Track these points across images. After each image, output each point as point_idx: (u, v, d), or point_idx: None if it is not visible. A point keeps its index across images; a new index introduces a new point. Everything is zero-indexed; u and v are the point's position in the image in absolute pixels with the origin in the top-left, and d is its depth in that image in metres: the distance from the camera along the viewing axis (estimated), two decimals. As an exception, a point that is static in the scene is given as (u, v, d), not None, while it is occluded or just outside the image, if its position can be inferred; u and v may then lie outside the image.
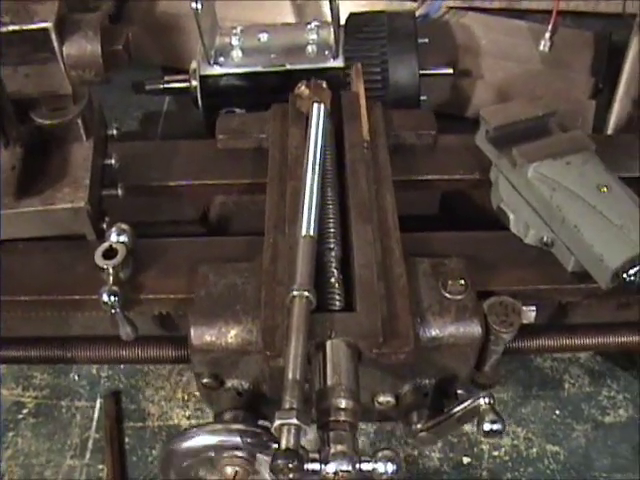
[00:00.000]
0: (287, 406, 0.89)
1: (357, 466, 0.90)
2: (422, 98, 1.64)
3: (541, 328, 1.24)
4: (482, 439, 1.39)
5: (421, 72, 1.62)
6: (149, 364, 1.47)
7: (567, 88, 1.86)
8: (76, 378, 1.50)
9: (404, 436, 1.33)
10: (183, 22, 1.96)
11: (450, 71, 1.77)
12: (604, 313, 1.26)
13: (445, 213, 1.43)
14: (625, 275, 1.08)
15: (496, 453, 1.38)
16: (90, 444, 1.42)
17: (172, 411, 1.45)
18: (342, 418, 0.93)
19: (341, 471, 0.88)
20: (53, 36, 1.10)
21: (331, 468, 0.89)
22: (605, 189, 1.15)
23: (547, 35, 1.87)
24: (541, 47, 1.89)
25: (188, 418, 1.43)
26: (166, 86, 1.81)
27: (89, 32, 1.13)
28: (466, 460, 1.38)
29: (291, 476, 0.85)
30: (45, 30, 1.10)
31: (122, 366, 1.50)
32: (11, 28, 1.09)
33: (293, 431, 0.87)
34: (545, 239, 1.20)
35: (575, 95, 1.85)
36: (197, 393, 1.43)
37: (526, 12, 2.07)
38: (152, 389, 1.47)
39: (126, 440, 1.42)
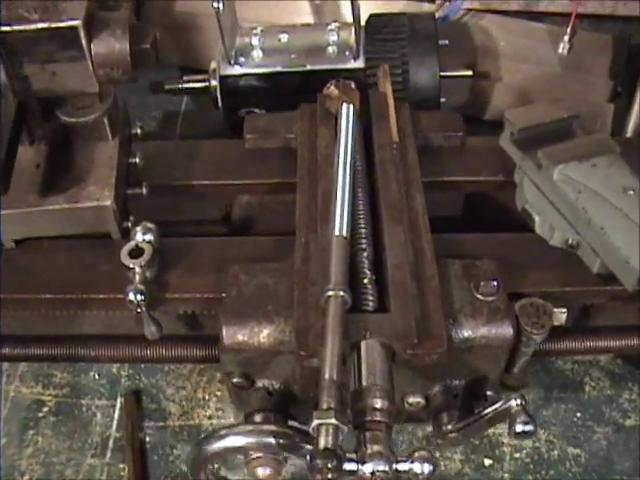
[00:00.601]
0: (325, 406, 0.89)
1: (394, 466, 0.89)
2: (441, 100, 1.64)
3: (565, 330, 1.24)
4: (503, 441, 1.39)
5: (441, 74, 1.62)
6: (173, 363, 1.46)
7: (585, 91, 1.85)
8: (96, 377, 1.50)
9: (430, 437, 1.33)
10: (201, 22, 1.96)
11: (469, 73, 1.77)
12: (628, 316, 1.25)
13: (469, 214, 1.42)
14: (651, 278, 1.08)
15: (517, 455, 1.38)
16: (111, 443, 1.42)
17: (193, 411, 1.45)
18: (378, 418, 0.93)
19: (378, 471, 0.88)
20: (82, 34, 1.10)
21: (368, 468, 0.89)
22: (631, 192, 1.15)
23: (566, 38, 1.86)
24: (560, 50, 1.88)
25: (209, 418, 1.43)
26: (185, 86, 1.81)
27: (117, 30, 1.13)
28: (488, 462, 1.37)
29: (330, 476, 0.85)
30: (74, 28, 1.10)
31: (142, 365, 1.50)
32: (40, 26, 1.09)
33: (331, 431, 0.87)
34: (571, 241, 1.20)
35: (594, 98, 1.85)
36: (218, 393, 1.44)
37: (544, 15, 2.06)
38: (173, 388, 1.47)
39: (147, 439, 1.42)
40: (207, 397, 1.46)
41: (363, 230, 1.16)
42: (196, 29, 2.00)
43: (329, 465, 0.84)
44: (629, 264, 1.09)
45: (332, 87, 1.33)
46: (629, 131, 1.77)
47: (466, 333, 1.07)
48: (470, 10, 2.00)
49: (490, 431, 1.40)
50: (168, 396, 1.47)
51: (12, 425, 1.45)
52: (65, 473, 1.39)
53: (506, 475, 1.36)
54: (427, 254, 1.13)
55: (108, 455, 1.41)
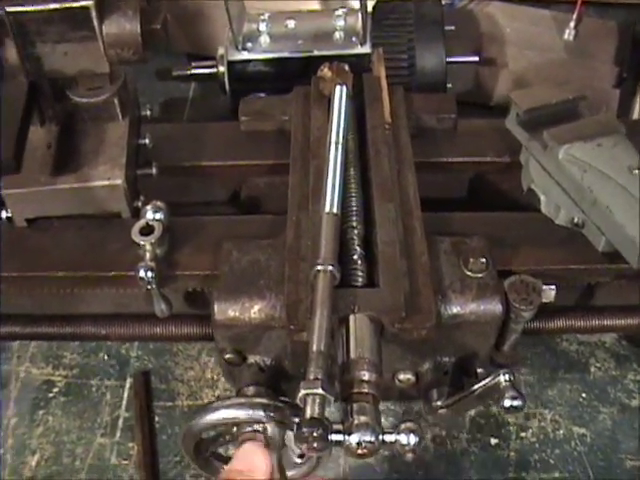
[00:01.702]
0: (312, 377, 0.89)
1: (380, 437, 0.90)
2: (447, 86, 1.65)
3: (566, 309, 1.26)
4: (509, 420, 1.40)
5: (447, 59, 1.63)
6: (180, 342, 1.48)
7: (591, 77, 1.86)
8: (106, 358, 1.52)
9: (425, 414, 1.34)
10: (208, 9, 1.98)
11: (476, 59, 1.79)
12: (633, 296, 1.26)
13: (474, 196, 1.44)
14: (657, 254, 1.09)
15: (523, 434, 1.39)
16: (120, 422, 1.43)
17: (201, 391, 1.46)
18: (365, 390, 0.94)
19: (364, 442, 0.89)
20: (93, 14, 1.12)
21: (354, 439, 0.89)
22: (637, 171, 1.16)
23: (571, 24, 1.87)
24: (565, 36, 1.89)
25: (217, 398, 1.45)
26: (193, 72, 1.83)
27: (129, 11, 1.14)
28: (493, 441, 1.39)
29: (316, 445, 0.86)
30: (86, 8, 1.11)
31: (151, 346, 1.52)
32: (52, 6, 1.10)
33: (318, 401, 0.88)
34: (576, 220, 1.21)
35: (599, 84, 1.86)
36: (224, 375, 1.44)
37: (550, 2, 2.07)
38: (181, 369, 1.49)
39: (156, 419, 1.43)
40: (215, 377, 1.47)
41: (354, 208, 1.17)
42: (203, 16, 2.01)
43: (315, 434, 0.85)
44: (634, 242, 1.10)
45: (326, 69, 1.35)
46: (634, 116, 1.78)
47: (455, 309, 1.08)
48: (475, -3, 2.02)
49: (496, 411, 1.41)
50: (177, 376, 1.48)
51: (23, 405, 1.47)
52: (75, 452, 1.41)
53: (512, 454, 1.37)
54: (417, 231, 1.13)
55: (118, 434, 1.42)
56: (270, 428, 0.98)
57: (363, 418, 0.90)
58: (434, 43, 1.63)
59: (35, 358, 1.53)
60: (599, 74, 1.87)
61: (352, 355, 0.97)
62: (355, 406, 0.92)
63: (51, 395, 1.48)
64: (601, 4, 2.08)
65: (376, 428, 0.90)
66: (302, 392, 0.88)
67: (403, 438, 0.91)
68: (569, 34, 1.89)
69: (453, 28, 1.70)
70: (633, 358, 1.48)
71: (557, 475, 1.35)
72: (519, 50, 1.92)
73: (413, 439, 0.91)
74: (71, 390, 1.48)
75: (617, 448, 1.38)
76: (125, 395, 1.47)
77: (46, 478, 1.38)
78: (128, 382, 1.48)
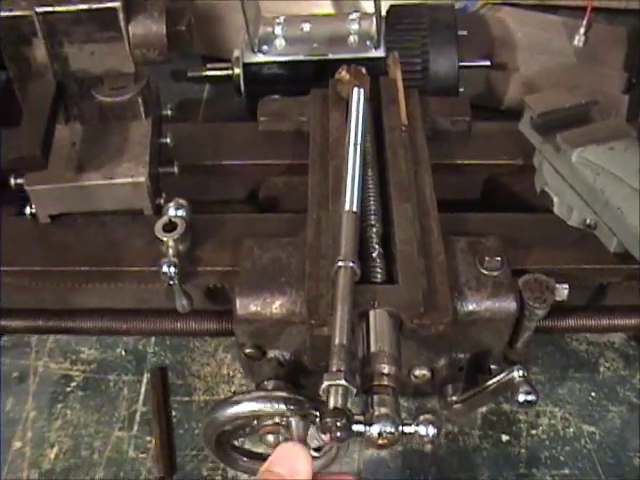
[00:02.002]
0: (334, 369, 0.92)
1: (400, 428, 0.93)
2: (460, 90, 1.67)
3: (578, 308, 1.28)
4: (520, 418, 1.43)
5: (460, 63, 1.65)
6: (201, 336, 1.50)
7: (600, 82, 1.88)
8: (123, 353, 1.54)
9: (440, 409, 1.37)
10: (224, 12, 2.00)
11: (487, 63, 1.81)
12: (643, 296, 1.29)
13: (488, 198, 1.46)
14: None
15: (534, 432, 1.41)
16: (137, 417, 1.46)
17: (218, 386, 1.48)
18: (385, 383, 0.97)
19: (385, 432, 0.92)
20: (120, 16, 1.15)
21: (375, 429, 0.92)
22: (647, 173, 1.19)
23: (581, 30, 1.89)
24: (575, 42, 1.91)
25: (234, 393, 1.47)
26: (208, 73, 1.85)
27: (154, 13, 1.17)
28: (505, 438, 1.41)
29: (339, 434, 0.89)
30: (113, 10, 1.14)
31: (168, 342, 1.54)
32: (80, 7, 1.14)
33: (341, 392, 0.90)
34: (588, 221, 1.24)
35: (608, 89, 1.88)
36: (243, 370, 1.47)
37: (559, 8, 2.10)
38: (198, 365, 1.51)
39: (173, 414, 1.46)
40: (232, 373, 1.49)
41: (373, 207, 1.19)
42: (218, 19, 2.04)
43: (338, 424, 0.88)
44: (644, 244, 1.13)
45: (343, 72, 1.38)
46: (643, 121, 1.81)
47: (471, 306, 1.11)
48: (487, 2, 2.04)
49: (507, 408, 1.43)
50: (193, 372, 1.50)
51: (41, 399, 1.49)
52: (93, 445, 1.43)
53: (523, 450, 1.39)
54: (434, 231, 1.17)
55: (135, 428, 1.44)
56: (295, 422, 1.00)
57: (384, 409, 0.93)
58: (447, 47, 1.65)
59: (53, 353, 1.55)
60: (608, 79, 1.89)
61: (372, 349, 1.00)
62: (375, 398, 0.95)
63: (69, 389, 1.50)
64: (611, 10, 2.10)
65: (396, 419, 0.92)
66: (325, 383, 0.91)
67: (422, 429, 0.94)
68: (579, 40, 1.91)
69: (465, 33, 1.72)
70: (642, 358, 1.50)
71: (567, 472, 1.37)
72: (530, 55, 1.95)
73: (432, 430, 0.94)
74: (89, 385, 1.50)
75: (626, 446, 1.40)
76: (142, 390, 1.49)
77: (65, 470, 1.40)
78: (145, 377, 1.50)
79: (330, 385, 0.91)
